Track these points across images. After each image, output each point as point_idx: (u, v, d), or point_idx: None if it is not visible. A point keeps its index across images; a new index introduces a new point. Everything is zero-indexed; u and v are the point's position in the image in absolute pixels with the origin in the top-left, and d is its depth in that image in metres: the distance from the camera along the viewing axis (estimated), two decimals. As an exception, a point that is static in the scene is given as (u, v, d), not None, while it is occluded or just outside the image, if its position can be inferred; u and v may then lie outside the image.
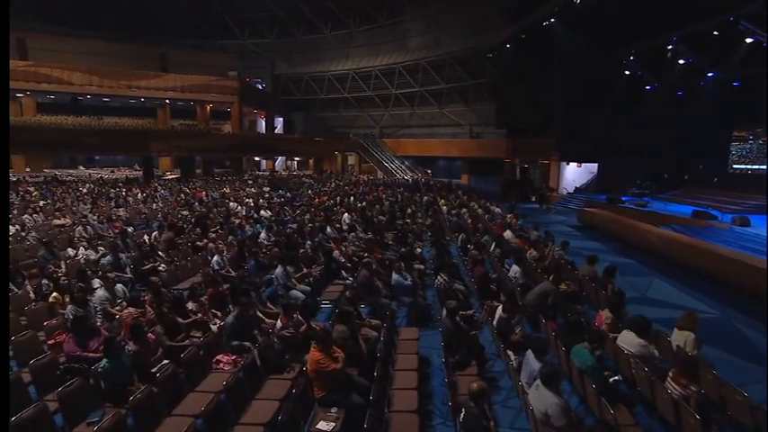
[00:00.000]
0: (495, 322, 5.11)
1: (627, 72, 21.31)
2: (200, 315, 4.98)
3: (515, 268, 7.39)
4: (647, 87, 21.64)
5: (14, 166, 28.61)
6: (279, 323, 4.46)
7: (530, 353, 3.99)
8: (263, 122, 39.31)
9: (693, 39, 16.70)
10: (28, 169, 28.98)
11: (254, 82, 38.06)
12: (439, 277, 6.46)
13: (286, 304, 4.60)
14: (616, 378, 4.17)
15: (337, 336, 4.27)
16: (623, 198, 18.92)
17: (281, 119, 40.08)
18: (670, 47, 17.98)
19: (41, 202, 15.13)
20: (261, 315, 5.01)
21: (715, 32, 15.07)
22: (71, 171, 32.58)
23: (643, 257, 11.43)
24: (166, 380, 3.73)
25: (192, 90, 31.43)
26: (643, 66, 20.64)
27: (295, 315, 4.61)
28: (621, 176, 21.74)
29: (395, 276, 6.12)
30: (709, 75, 18.32)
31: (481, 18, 28.71)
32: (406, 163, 35.66)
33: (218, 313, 5.45)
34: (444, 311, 4.93)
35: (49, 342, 4.55)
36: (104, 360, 3.66)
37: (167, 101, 31.91)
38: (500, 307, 5.57)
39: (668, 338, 4.86)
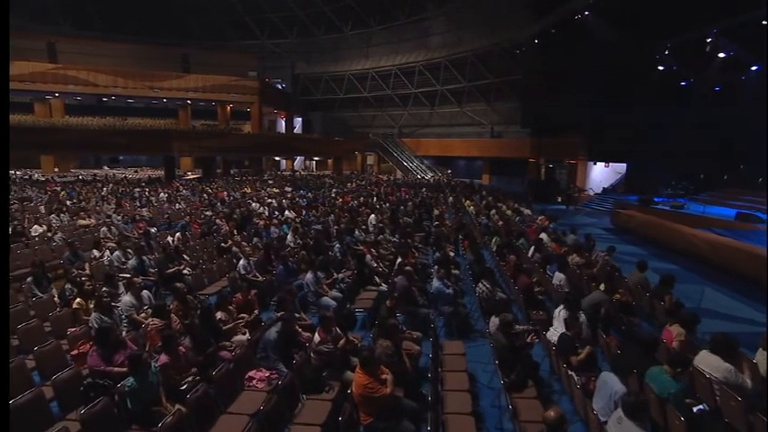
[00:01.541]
0: (554, 338, 4.61)
1: (660, 67, 20.32)
2: (242, 315, 4.61)
3: (560, 276, 6.84)
4: (683, 83, 20.60)
5: (43, 166, 29.38)
6: (316, 337, 4.08)
7: (609, 375, 3.50)
8: (283, 122, 39.37)
9: (736, 30, 15.72)
10: (56, 169, 29.66)
11: (274, 82, 38.16)
12: (480, 285, 5.97)
13: (323, 316, 4.21)
14: (701, 408, 3.64)
15: (381, 352, 3.85)
16: (656, 199, 18.01)
17: (300, 119, 40.08)
18: (709, 39, 17.00)
19: (68, 202, 15.25)
20: (297, 328, 4.61)
21: (765, 22, 14.10)
22: (96, 171, 33.22)
23: (687, 263, 10.71)
24: (197, 401, 3.38)
25: (213, 90, 31.66)
26: (678, 60, 19.63)
27: (333, 328, 4.21)
28: (652, 177, 20.76)
29: (436, 283, 5.66)
30: (753, 68, 17.26)
31: (504, 14, 27.99)
32: (426, 162, 35.15)
33: (247, 316, 5.12)
34: (495, 324, 4.45)
35: (73, 352, 4.28)
36: (130, 379, 3.33)
37: (189, 101, 32.21)
38: (555, 320, 5.10)
39: (753, 361, 4.28)
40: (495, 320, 4.69)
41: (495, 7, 28.43)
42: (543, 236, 9.45)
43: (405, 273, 5.75)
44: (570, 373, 4.04)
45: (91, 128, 26.09)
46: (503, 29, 28.14)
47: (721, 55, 17.25)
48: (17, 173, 28.14)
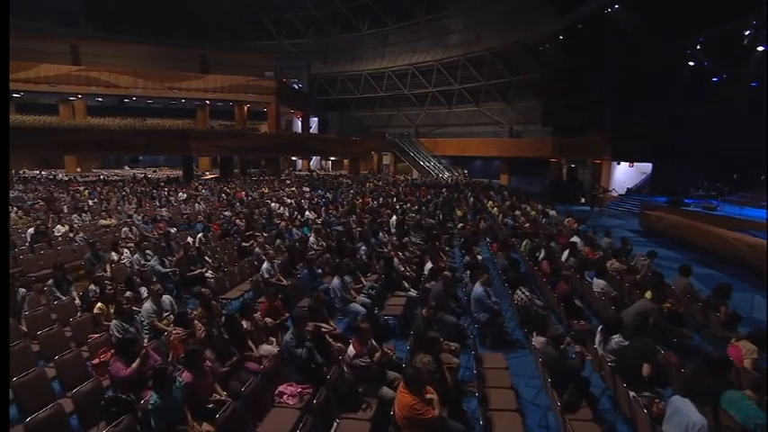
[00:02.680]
0: (608, 351, 4.21)
1: (691, 63, 19.47)
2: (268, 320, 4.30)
3: (599, 282, 6.39)
4: (714, 79, 19.68)
5: (67, 166, 29.99)
6: (351, 350, 3.76)
7: (683, 401, 3.09)
8: (299, 122, 39.39)
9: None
10: (78, 169, 30.20)
11: (291, 82, 38.18)
12: (518, 292, 5.58)
13: (358, 327, 3.89)
14: (791, 440, 3.20)
15: (422, 368, 3.52)
16: (686, 201, 17.21)
17: (316, 119, 40.04)
18: (747, 32, 16.15)
19: (90, 202, 15.35)
20: (329, 338, 4.30)
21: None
22: (117, 171, 33.76)
23: (727, 268, 10.08)
24: (226, 419, 3.10)
25: (230, 90, 31.79)
26: (711, 55, 18.75)
27: (369, 340, 3.90)
28: (680, 177, 19.90)
29: (478, 290, 5.28)
30: (797, 62, 16.30)
31: (525, 11, 27.41)
32: (443, 162, 34.70)
33: (273, 320, 4.85)
34: (541, 342, 4.08)
35: (94, 361, 4.07)
36: (153, 396, 3.07)
37: (207, 101, 32.44)
38: (599, 330, 4.69)
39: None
40: (539, 339, 4.32)
41: (516, 4, 27.83)
42: (576, 239, 8.97)
43: (443, 278, 5.38)
44: (632, 394, 3.64)
45: (112, 128, 26.44)
46: (523, 26, 27.54)
47: (760, 48, 16.36)
48: (42, 173, 28.81)
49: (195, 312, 4.62)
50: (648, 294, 5.93)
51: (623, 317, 5.46)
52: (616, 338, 4.52)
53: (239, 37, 37.63)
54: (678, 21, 17.05)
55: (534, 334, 4.67)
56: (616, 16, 17.98)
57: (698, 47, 18.56)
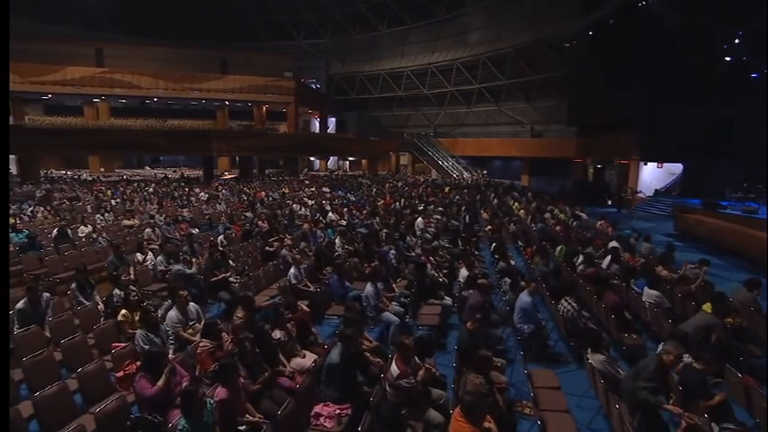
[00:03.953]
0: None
1: (727, 58, 18.51)
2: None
3: (652, 293, 5.89)
4: (754, 75, 18.68)
5: (90, 166, 30.60)
6: (394, 369, 3.42)
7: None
8: (317, 122, 39.36)
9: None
10: (102, 169, 30.78)
11: (309, 82, 38.16)
12: (564, 303, 5.15)
13: (401, 344, 3.54)
14: None
15: (474, 390, 3.15)
16: (722, 203, 16.31)
17: (334, 119, 39.93)
18: (794, 25, 15.20)
19: (112, 202, 15.45)
20: (367, 355, 3.97)
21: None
22: (139, 171, 34.29)
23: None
24: (261, 447, 2.80)
25: (249, 91, 31.91)
26: (751, 49, 17.79)
27: (413, 358, 3.55)
28: (713, 178, 18.93)
29: (526, 299, 4.87)
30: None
31: (548, 8, 26.67)
32: (462, 162, 34.13)
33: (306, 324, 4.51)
34: (599, 360, 3.67)
35: (118, 374, 3.83)
36: (182, 420, 2.79)
37: (226, 102, 32.66)
38: (664, 348, 4.23)
39: None
40: (597, 357, 3.91)
41: (539, 1, 27.14)
42: (615, 244, 8.43)
43: (479, 287, 4.99)
44: (716, 427, 3.20)
45: (134, 129, 26.81)
46: (547, 23, 26.79)
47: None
48: (68, 173, 29.46)
49: (238, 315, 4.31)
50: (708, 307, 5.43)
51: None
52: (684, 357, 4.08)
53: (258, 38, 37.79)
54: (716, 13, 16.20)
55: (589, 350, 4.27)
56: (650, 9, 17.21)
57: (736, 41, 17.65)
